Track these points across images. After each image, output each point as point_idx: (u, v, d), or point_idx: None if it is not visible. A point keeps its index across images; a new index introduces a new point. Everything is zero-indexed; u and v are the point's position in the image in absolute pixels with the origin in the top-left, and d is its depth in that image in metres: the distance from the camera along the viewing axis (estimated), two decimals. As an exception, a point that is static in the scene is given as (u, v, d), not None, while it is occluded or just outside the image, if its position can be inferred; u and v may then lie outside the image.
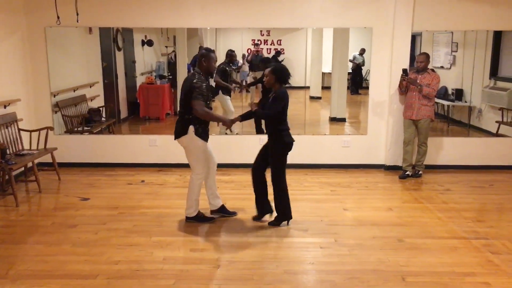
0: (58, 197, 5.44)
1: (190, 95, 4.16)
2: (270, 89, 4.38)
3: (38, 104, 6.42)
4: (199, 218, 4.54)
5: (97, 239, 4.16)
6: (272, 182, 4.40)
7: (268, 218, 4.60)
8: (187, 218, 4.55)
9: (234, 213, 4.75)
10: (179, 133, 4.33)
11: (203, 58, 4.30)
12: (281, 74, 4.27)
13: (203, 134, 4.33)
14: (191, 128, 4.25)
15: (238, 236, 4.24)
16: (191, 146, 4.35)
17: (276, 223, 4.50)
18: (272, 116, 4.26)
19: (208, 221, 4.54)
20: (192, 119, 4.25)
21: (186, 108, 4.25)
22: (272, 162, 4.37)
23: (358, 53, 8.96)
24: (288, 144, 4.33)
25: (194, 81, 4.19)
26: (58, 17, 4.84)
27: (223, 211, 4.70)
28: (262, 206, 4.59)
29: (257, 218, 4.61)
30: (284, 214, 4.49)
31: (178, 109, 4.45)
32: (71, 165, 6.48)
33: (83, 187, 5.70)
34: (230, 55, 7.41)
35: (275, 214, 4.54)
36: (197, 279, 3.46)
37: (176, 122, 4.39)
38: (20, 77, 6.14)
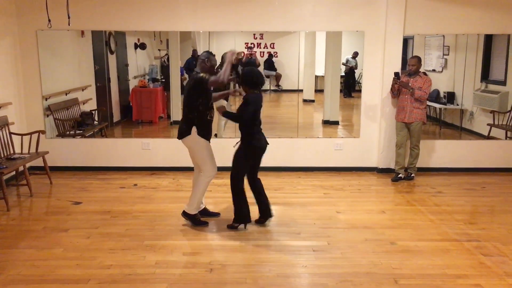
0: (50, 201, 5.40)
1: (194, 90, 4.21)
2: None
3: (30, 107, 6.38)
4: (195, 220, 4.52)
5: (89, 243, 4.14)
6: (231, 182, 4.36)
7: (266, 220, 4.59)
8: (184, 213, 4.53)
9: (217, 214, 4.77)
10: (183, 133, 4.35)
11: (206, 59, 4.36)
12: (246, 78, 4.27)
13: (206, 135, 4.37)
14: (194, 129, 4.29)
15: (230, 240, 4.24)
16: (196, 147, 4.37)
17: (233, 225, 4.46)
18: (238, 119, 4.26)
19: (202, 225, 4.52)
20: (195, 118, 4.29)
21: (189, 107, 4.30)
22: (236, 163, 4.34)
23: (351, 56, 8.99)
24: (257, 148, 4.33)
25: (196, 73, 4.25)
26: (49, 20, 4.81)
27: (205, 214, 4.72)
28: (267, 209, 4.57)
29: (260, 221, 4.57)
30: (239, 216, 4.42)
31: (181, 109, 4.44)
32: (63, 169, 6.44)
33: (75, 191, 5.66)
34: None
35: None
36: (190, 283, 3.45)
37: (180, 122, 4.42)
38: (12, 80, 6.10)
